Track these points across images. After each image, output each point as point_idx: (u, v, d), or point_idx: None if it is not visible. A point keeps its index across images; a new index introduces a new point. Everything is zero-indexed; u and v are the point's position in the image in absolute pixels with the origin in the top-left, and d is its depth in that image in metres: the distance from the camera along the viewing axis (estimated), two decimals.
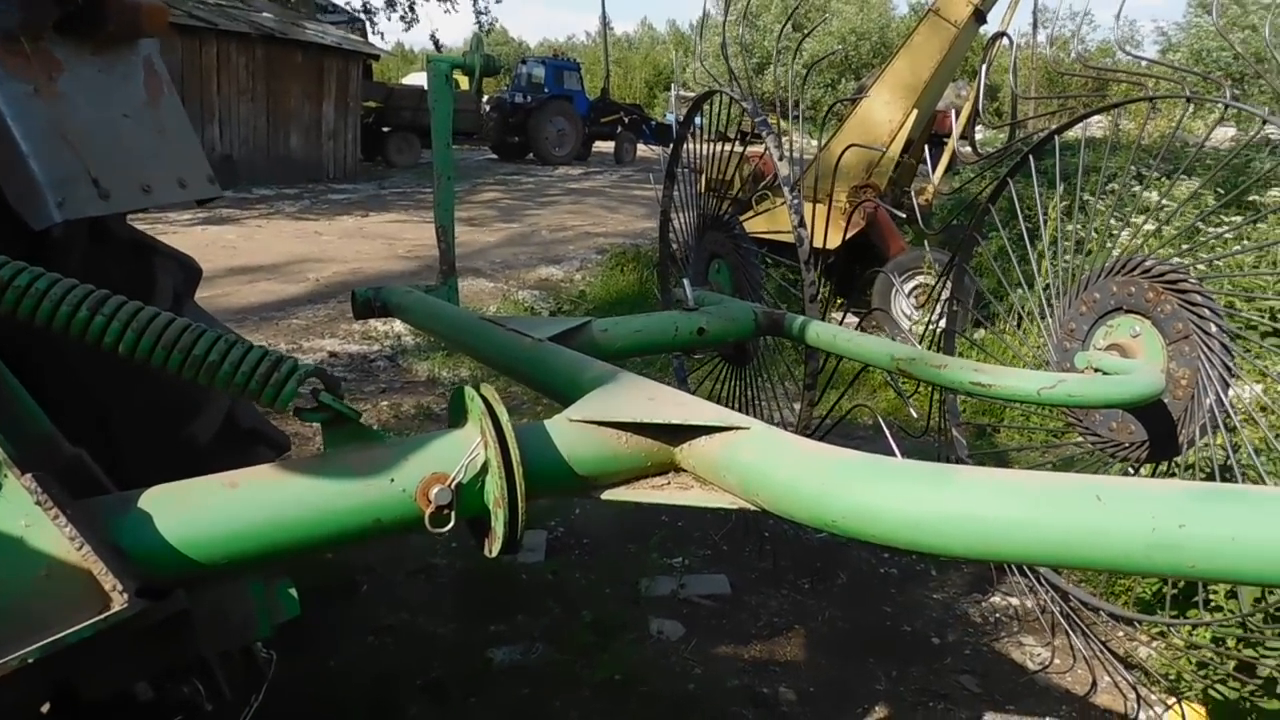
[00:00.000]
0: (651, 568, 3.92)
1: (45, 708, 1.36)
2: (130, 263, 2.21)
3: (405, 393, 6.20)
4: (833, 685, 3.25)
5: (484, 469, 1.43)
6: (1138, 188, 3.69)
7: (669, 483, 1.61)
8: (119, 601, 1.13)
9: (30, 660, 1.05)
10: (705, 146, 3.90)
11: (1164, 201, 4.25)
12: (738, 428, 1.51)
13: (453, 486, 1.40)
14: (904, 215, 7.58)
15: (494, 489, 1.43)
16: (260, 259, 10.62)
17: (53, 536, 1.14)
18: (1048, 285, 2.90)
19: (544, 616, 3.51)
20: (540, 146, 28.39)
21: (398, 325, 7.46)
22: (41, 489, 1.14)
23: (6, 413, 1.33)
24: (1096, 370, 2.48)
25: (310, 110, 20.54)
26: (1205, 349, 2.33)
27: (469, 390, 1.50)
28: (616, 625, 3.46)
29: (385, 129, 24.00)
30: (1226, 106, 2.31)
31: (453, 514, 1.40)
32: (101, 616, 1.11)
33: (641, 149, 30.56)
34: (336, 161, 21.33)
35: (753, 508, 1.48)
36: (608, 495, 1.60)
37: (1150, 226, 3.51)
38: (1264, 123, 2.34)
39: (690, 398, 1.70)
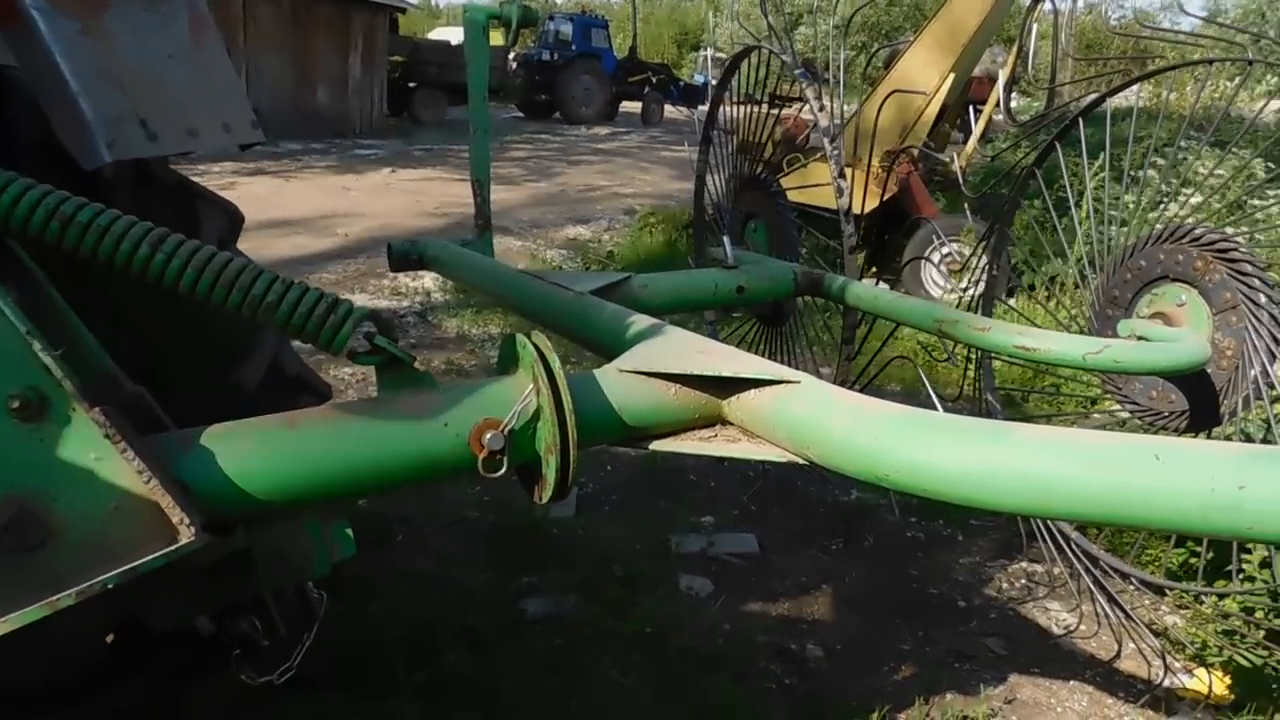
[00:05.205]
0: (681, 525, 3.95)
1: (109, 639, 1.40)
2: (174, 206, 2.22)
3: (435, 349, 6.23)
4: (860, 644, 3.27)
5: (536, 416, 1.44)
6: (1187, 157, 3.62)
7: (716, 435, 1.61)
8: (186, 534, 1.15)
9: (109, 586, 1.08)
10: (741, 106, 3.86)
11: (1216, 171, 4.18)
12: (788, 381, 1.51)
13: (505, 432, 1.41)
14: (938, 179, 7.49)
15: (546, 436, 1.44)
16: (290, 212, 10.65)
17: (122, 469, 1.16)
18: (1090, 252, 2.87)
19: (575, 570, 3.54)
20: (567, 105, 28.11)
21: (427, 281, 7.48)
22: (110, 423, 1.16)
23: (71, 350, 1.35)
24: (1140, 338, 2.45)
25: (337, 64, 20.48)
26: (1253, 319, 2.30)
27: (520, 338, 1.50)
28: (647, 580, 3.49)
29: (411, 84, 23.69)
30: None
31: (505, 459, 1.41)
32: (172, 548, 1.14)
33: (669, 110, 30.22)
34: (363, 117, 21.29)
35: (801, 461, 1.49)
36: (655, 446, 1.61)
37: (1198, 199, 3.45)
38: None
39: (739, 352, 1.70)
